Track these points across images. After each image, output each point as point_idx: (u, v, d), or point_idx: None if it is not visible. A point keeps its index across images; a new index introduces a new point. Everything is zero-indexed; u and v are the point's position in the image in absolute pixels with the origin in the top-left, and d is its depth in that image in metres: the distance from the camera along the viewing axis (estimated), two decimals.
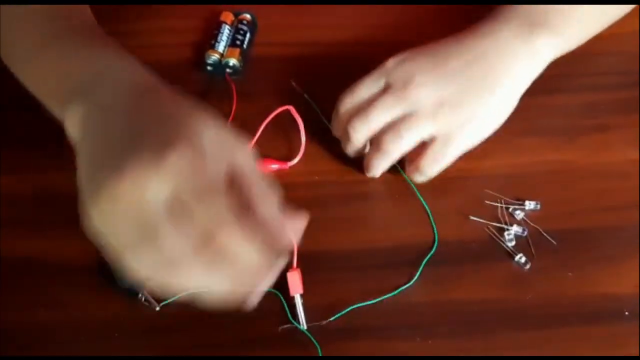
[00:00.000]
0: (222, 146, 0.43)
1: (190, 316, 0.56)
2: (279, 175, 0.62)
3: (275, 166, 0.62)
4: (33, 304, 0.57)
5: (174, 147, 0.40)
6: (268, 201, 0.44)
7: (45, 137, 0.62)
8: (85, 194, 0.42)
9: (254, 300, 0.46)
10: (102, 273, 0.57)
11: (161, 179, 0.40)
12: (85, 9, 0.57)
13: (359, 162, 0.62)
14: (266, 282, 0.44)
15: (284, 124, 0.63)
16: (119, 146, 0.42)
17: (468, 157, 0.59)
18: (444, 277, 0.57)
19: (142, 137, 0.42)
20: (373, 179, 0.62)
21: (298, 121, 0.61)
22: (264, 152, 0.62)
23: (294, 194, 0.59)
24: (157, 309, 0.56)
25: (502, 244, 0.58)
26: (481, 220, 0.59)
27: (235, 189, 0.43)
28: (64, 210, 0.59)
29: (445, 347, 0.54)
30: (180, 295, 0.56)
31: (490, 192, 0.60)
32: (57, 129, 0.63)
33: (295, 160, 0.62)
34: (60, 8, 0.54)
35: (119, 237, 0.41)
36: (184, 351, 0.55)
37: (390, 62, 0.59)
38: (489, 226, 0.59)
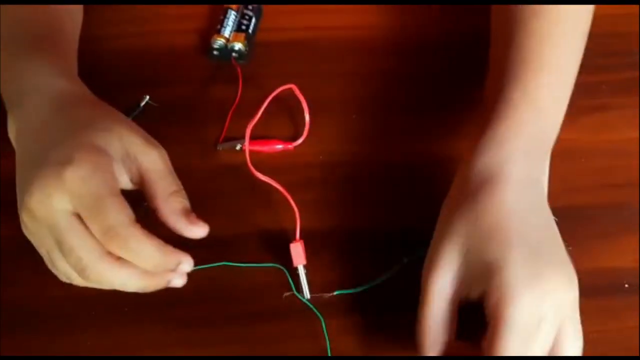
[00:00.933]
0: (127, 153, 0.49)
1: (197, 290, 0.57)
2: (284, 156, 0.63)
3: (280, 147, 0.63)
4: (39, 280, 0.57)
5: (71, 163, 0.45)
6: (170, 199, 0.49)
7: None
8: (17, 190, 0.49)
9: (178, 282, 0.51)
10: None
11: (60, 194, 0.45)
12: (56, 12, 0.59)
13: (362, 141, 0.63)
14: (183, 268, 0.49)
15: (289, 105, 0.64)
16: (33, 161, 0.48)
17: (470, 138, 0.60)
18: None
19: (51, 152, 0.47)
20: (379, 158, 0.62)
21: (302, 101, 0.62)
22: (269, 132, 0.63)
23: (299, 174, 0.62)
24: None
25: None
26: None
27: (146, 190, 0.49)
28: None
29: None
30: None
31: None
32: None
33: (300, 141, 0.63)
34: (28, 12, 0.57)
35: (39, 243, 0.49)
36: (192, 324, 0.56)
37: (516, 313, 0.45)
38: None
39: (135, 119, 0.60)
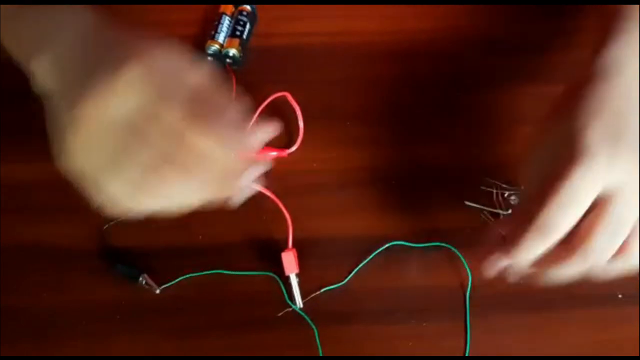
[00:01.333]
0: (177, 64, 0.44)
1: (189, 299, 0.57)
2: (277, 163, 0.63)
3: (273, 153, 0.63)
4: (36, 289, 0.58)
5: (126, 64, 0.41)
6: (231, 107, 0.45)
7: (44, 124, 0.64)
8: (56, 131, 0.43)
9: (237, 198, 0.47)
10: (103, 257, 0.59)
11: (118, 94, 0.41)
12: None
13: (356, 148, 0.63)
14: (246, 179, 0.46)
15: (282, 112, 0.63)
16: (80, 78, 0.43)
17: (461, 143, 0.60)
18: (440, 262, 0.58)
19: (99, 64, 0.42)
20: (372, 165, 0.62)
21: (295, 108, 0.62)
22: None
23: (292, 181, 0.62)
24: (157, 291, 0.57)
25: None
26: (476, 205, 0.60)
27: (198, 103, 0.43)
28: (64, 196, 0.61)
29: (442, 330, 0.55)
30: (180, 278, 0.57)
31: (487, 179, 0.60)
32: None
33: (294, 148, 0.63)
34: None
35: (92, 161, 0.42)
36: (185, 333, 0.56)
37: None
38: (484, 211, 0.59)
39: None
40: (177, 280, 0.57)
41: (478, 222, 0.59)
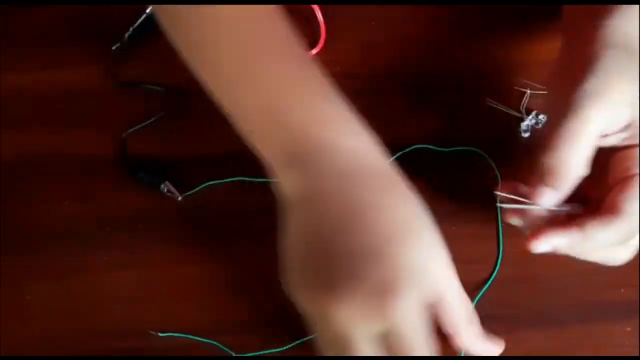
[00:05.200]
0: (434, 290, 0.43)
1: (212, 208, 0.56)
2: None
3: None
4: (58, 197, 0.58)
5: (394, 294, 0.41)
6: (470, 331, 0.45)
7: (60, 33, 0.63)
8: (293, 283, 0.44)
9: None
10: (124, 166, 0.58)
11: (378, 323, 0.41)
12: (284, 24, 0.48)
13: (382, 49, 0.60)
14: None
15: (302, 10, 0.61)
16: (331, 251, 0.42)
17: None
18: (467, 165, 0.57)
19: (359, 258, 0.41)
20: (397, 68, 0.60)
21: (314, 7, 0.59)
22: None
23: None
24: (179, 198, 0.56)
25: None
26: (498, 105, 0.57)
27: (436, 311, 0.44)
28: (83, 106, 0.61)
29: (473, 233, 0.54)
30: (202, 185, 0.56)
31: (520, 79, 0.58)
32: (72, 26, 0.63)
33: (316, 50, 0.60)
34: (263, 27, 0.48)
35: (320, 339, 0.44)
36: (209, 242, 0.56)
37: None
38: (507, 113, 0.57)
39: None
40: (199, 188, 0.56)
41: (502, 125, 0.57)
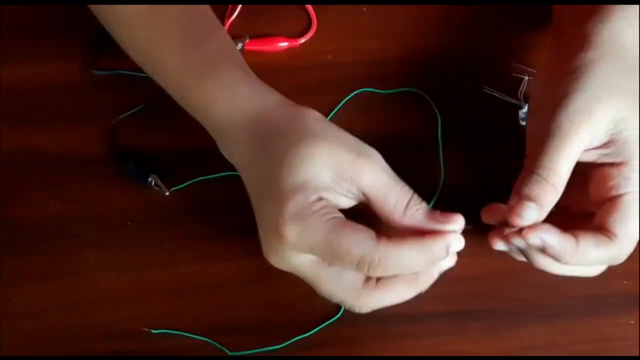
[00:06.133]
0: (339, 176, 0.43)
1: (201, 203, 0.55)
2: (289, 55, 0.59)
3: (284, 44, 0.58)
4: (44, 197, 0.56)
5: (282, 222, 0.42)
6: (408, 212, 0.44)
7: (46, 27, 0.61)
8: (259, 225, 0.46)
9: (447, 264, 0.47)
10: (112, 158, 0.56)
11: (289, 252, 0.43)
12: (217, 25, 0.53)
13: (374, 38, 0.59)
14: (454, 249, 0.44)
15: None
16: (254, 201, 0.47)
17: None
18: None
19: (263, 205, 0.45)
20: (390, 56, 0.58)
21: None
22: (273, 30, 0.59)
23: (307, 75, 0.58)
24: (167, 193, 0.55)
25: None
26: (495, 93, 0.55)
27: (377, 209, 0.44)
28: (70, 102, 0.59)
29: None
30: (190, 181, 0.55)
31: (517, 65, 0.56)
32: (57, 20, 0.61)
33: (307, 38, 0.59)
34: (197, 28, 0.51)
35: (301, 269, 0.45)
36: (198, 237, 0.54)
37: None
38: (503, 100, 0.55)
39: None
40: (188, 183, 0.55)
41: (500, 114, 0.55)
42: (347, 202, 0.45)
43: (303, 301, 0.52)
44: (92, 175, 0.56)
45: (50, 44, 0.60)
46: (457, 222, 0.44)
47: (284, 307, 0.52)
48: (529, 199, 0.44)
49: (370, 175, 0.44)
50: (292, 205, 0.42)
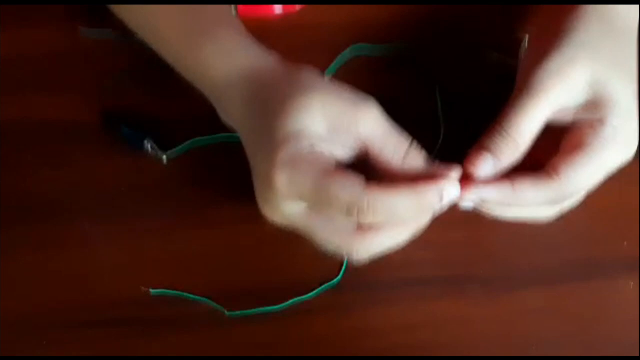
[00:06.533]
0: (335, 126, 0.43)
1: (198, 168, 0.54)
2: (286, 21, 0.58)
3: (279, 10, 0.57)
4: (37, 166, 0.55)
5: (273, 169, 0.42)
6: (407, 161, 0.43)
7: None
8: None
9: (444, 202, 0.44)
10: (106, 128, 0.55)
11: (281, 201, 0.43)
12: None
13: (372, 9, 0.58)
14: (449, 194, 0.43)
15: None
16: (250, 157, 0.46)
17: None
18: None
19: (257, 156, 0.45)
20: (389, 21, 0.58)
21: None
22: None
23: (304, 40, 0.57)
24: (164, 157, 0.54)
25: None
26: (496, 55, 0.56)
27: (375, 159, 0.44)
28: (61, 68, 0.58)
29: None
30: (185, 145, 0.54)
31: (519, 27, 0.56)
32: None
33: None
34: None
35: (294, 220, 0.45)
36: (195, 203, 0.54)
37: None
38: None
39: None
40: (183, 146, 0.54)
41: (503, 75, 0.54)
42: (344, 154, 0.44)
43: (303, 266, 0.52)
44: (85, 142, 0.55)
45: (35, 10, 0.59)
46: (455, 172, 0.43)
47: (283, 272, 0.52)
48: (488, 150, 0.44)
49: (367, 123, 0.43)
50: (284, 153, 0.42)
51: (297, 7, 0.58)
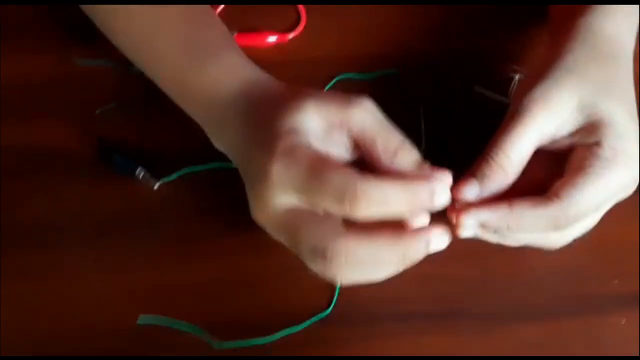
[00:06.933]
0: (330, 124, 0.43)
1: (189, 198, 0.54)
2: (278, 51, 0.58)
3: (273, 39, 0.58)
4: (26, 194, 0.54)
5: (270, 160, 0.41)
6: (397, 158, 0.43)
7: (24, 20, 0.60)
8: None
9: (438, 244, 0.44)
10: (96, 157, 0.55)
11: (272, 191, 0.42)
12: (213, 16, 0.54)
13: (360, 33, 0.59)
14: (438, 200, 0.42)
15: None
16: (245, 173, 0.46)
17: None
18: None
19: (255, 157, 0.44)
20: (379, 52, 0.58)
21: None
22: (262, 24, 0.59)
23: (295, 70, 0.57)
24: (156, 186, 0.53)
25: None
26: (486, 92, 0.56)
27: (367, 156, 0.44)
28: (51, 96, 0.58)
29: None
30: (180, 173, 0.54)
31: (514, 66, 0.56)
32: (35, 13, 0.59)
33: (296, 33, 0.58)
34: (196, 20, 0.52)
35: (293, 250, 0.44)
36: (186, 234, 0.53)
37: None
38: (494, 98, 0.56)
39: None
40: (177, 175, 0.54)
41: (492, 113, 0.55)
42: (339, 154, 0.44)
43: (293, 299, 0.51)
44: (76, 170, 0.55)
45: (28, 38, 0.60)
46: (446, 176, 0.43)
47: (273, 304, 0.51)
48: (474, 176, 0.45)
49: (359, 119, 0.43)
50: (283, 143, 0.42)
51: (289, 35, 0.58)
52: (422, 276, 0.50)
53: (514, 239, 0.47)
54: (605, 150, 0.44)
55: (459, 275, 0.52)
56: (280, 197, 0.42)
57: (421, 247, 0.42)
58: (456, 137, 0.54)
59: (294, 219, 0.42)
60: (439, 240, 0.43)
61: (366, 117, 0.43)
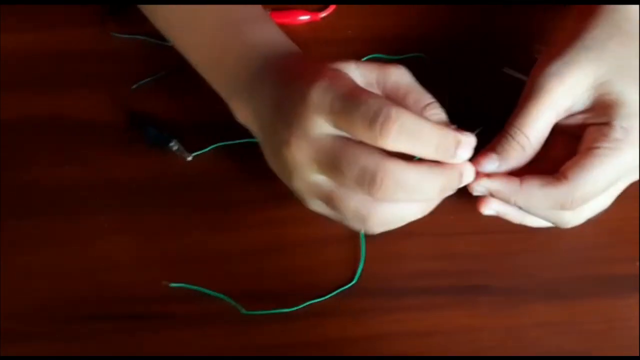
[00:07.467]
0: (367, 82, 0.44)
1: (221, 172, 0.55)
2: (310, 29, 0.59)
3: (305, 17, 0.59)
4: (60, 162, 0.56)
5: (311, 86, 0.42)
6: (428, 112, 0.44)
7: None
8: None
9: (469, 174, 0.45)
10: (129, 129, 0.56)
11: (312, 116, 0.42)
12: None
13: (390, 16, 0.59)
14: (462, 153, 0.43)
15: None
16: (274, 131, 0.45)
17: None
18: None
19: (291, 87, 0.44)
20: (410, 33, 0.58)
21: None
22: (294, 3, 0.60)
23: (326, 49, 0.58)
24: (189, 158, 0.55)
25: None
26: (517, 74, 0.56)
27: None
28: (88, 68, 0.59)
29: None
30: (213, 146, 0.55)
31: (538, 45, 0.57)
32: None
33: (328, 12, 0.59)
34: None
35: (323, 196, 0.45)
36: (216, 204, 0.54)
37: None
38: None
39: None
40: (209, 148, 0.55)
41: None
42: None
43: (319, 270, 0.52)
44: (109, 141, 0.57)
45: (68, 10, 0.61)
46: (471, 138, 0.43)
47: (300, 275, 0.52)
48: (494, 151, 0.46)
49: (394, 76, 0.45)
50: (326, 69, 0.43)
51: (321, 14, 0.59)
52: (442, 252, 0.52)
53: (532, 219, 0.48)
54: (616, 130, 0.45)
55: (480, 252, 0.52)
56: (318, 123, 0.42)
57: (457, 177, 0.44)
58: (484, 122, 0.55)
59: (337, 146, 0.42)
60: (469, 172, 0.44)
61: (402, 75, 0.45)
